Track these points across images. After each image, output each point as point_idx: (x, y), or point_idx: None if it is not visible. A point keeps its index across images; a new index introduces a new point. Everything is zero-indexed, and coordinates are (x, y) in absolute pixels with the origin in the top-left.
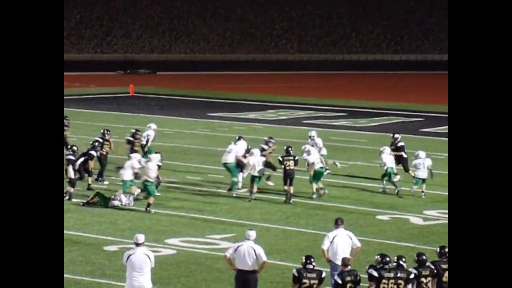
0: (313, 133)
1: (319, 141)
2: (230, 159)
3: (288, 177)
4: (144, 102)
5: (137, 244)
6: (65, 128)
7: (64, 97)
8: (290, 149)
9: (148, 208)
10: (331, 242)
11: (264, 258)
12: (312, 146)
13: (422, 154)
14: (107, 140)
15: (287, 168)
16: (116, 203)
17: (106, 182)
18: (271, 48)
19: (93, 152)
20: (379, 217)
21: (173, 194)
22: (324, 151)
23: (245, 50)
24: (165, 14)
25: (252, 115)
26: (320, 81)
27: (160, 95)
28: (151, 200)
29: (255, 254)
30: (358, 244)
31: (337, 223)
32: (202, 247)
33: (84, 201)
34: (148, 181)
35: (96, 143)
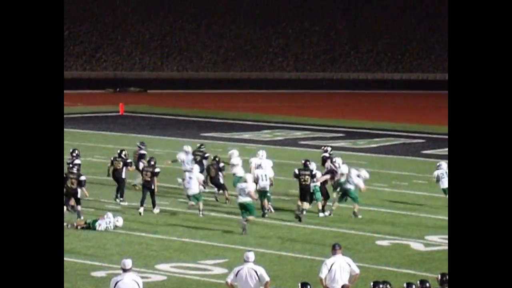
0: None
1: (267, 162)
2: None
3: (303, 192)
4: (134, 122)
5: (125, 270)
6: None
7: None
8: (308, 162)
9: (245, 230)
10: (329, 270)
11: (267, 277)
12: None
13: (444, 165)
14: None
15: (303, 182)
16: (103, 224)
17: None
18: (267, 65)
19: (78, 161)
20: (378, 242)
21: (164, 217)
22: (270, 173)
23: (239, 67)
24: (157, 31)
25: (247, 135)
26: (317, 101)
27: (151, 114)
28: (251, 218)
29: (257, 275)
30: (357, 271)
31: (335, 248)
32: (194, 273)
33: (69, 224)
34: (249, 201)
35: (76, 152)
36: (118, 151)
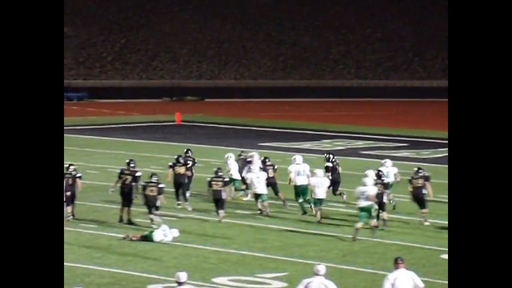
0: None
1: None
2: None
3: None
4: (191, 131)
5: (179, 283)
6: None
7: (107, 126)
8: (381, 172)
9: (374, 232)
10: (392, 284)
11: None
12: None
13: None
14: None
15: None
16: (159, 233)
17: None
18: (327, 73)
19: (139, 173)
20: (444, 256)
21: (221, 229)
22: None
23: (299, 75)
24: (214, 38)
25: (306, 145)
26: (379, 109)
27: (208, 124)
28: (374, 223)
29: None
30: (421, 286)
31: (397, 262)
32: (252, 287)
33: (124, 235)
34: (369, 204)
35: (132, 163)
36: (176, 157)
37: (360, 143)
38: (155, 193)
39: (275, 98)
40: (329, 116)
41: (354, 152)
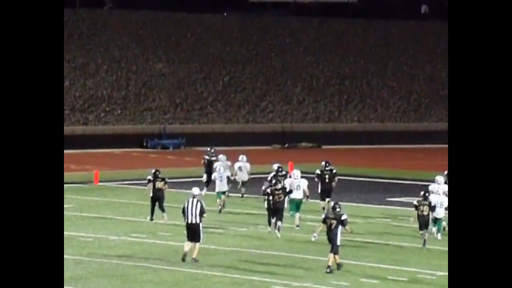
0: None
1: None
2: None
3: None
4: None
5: None
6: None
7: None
8: (427, 194)
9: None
10: None
11: None
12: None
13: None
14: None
15: (420, 213)
16: None
17: None
18: None
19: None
20: None
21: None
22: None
23: (435, 117)
24: (334, 74)
25: None
26: None
27: None
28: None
29: None
30: None
31: None
32: None
33: None
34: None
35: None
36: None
37: None
38: (282, 198)
39: (406, 145)
40: None
41: None
